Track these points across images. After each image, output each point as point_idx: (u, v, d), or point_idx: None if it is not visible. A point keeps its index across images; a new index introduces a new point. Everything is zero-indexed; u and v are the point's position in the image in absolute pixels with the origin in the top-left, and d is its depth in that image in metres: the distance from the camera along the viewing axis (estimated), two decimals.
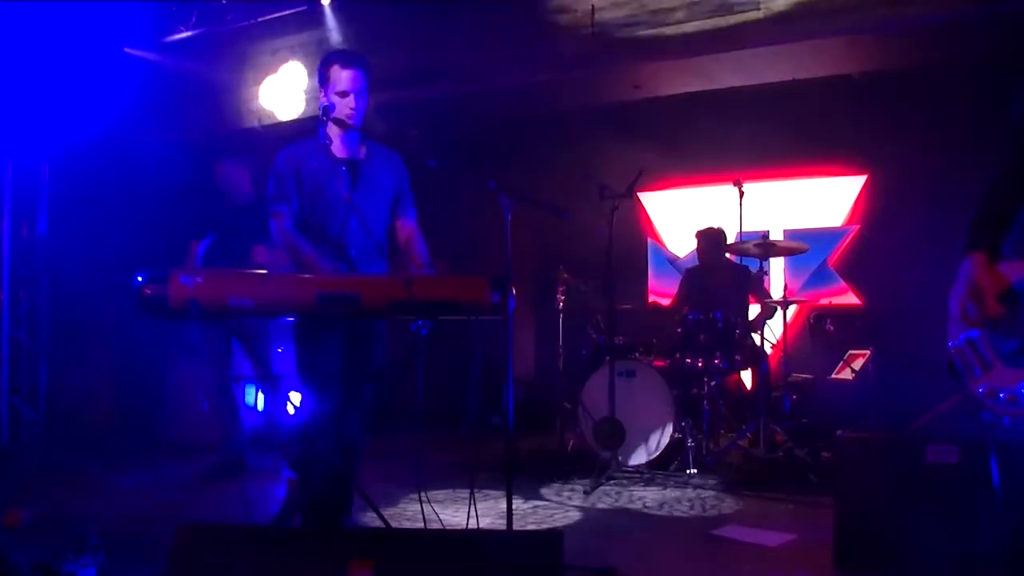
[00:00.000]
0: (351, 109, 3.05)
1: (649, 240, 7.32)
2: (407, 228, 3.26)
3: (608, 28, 5.68)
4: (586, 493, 4.33)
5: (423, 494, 3.12)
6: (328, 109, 3.03)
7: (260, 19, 6.24)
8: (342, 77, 3.06)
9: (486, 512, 3.61)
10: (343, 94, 3.06)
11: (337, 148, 3.13)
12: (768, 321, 5.25)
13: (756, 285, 5.38)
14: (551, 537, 2.25)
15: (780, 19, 5.22)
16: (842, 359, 5.39)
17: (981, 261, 2.07)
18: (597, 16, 5.68)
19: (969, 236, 2.13)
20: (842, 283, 6.45)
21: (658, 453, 4.79)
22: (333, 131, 3.10)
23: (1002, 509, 2.56)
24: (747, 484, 4.56)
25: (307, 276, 2.84)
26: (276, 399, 5.62)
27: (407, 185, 3.29)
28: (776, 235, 6.16)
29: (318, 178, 3.09)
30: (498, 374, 6.99)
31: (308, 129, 3.23)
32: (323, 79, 3.11)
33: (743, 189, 5.13)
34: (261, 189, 4.77)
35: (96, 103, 6.19)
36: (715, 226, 5.66)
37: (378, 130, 3.22)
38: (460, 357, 7.02)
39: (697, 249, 5.75)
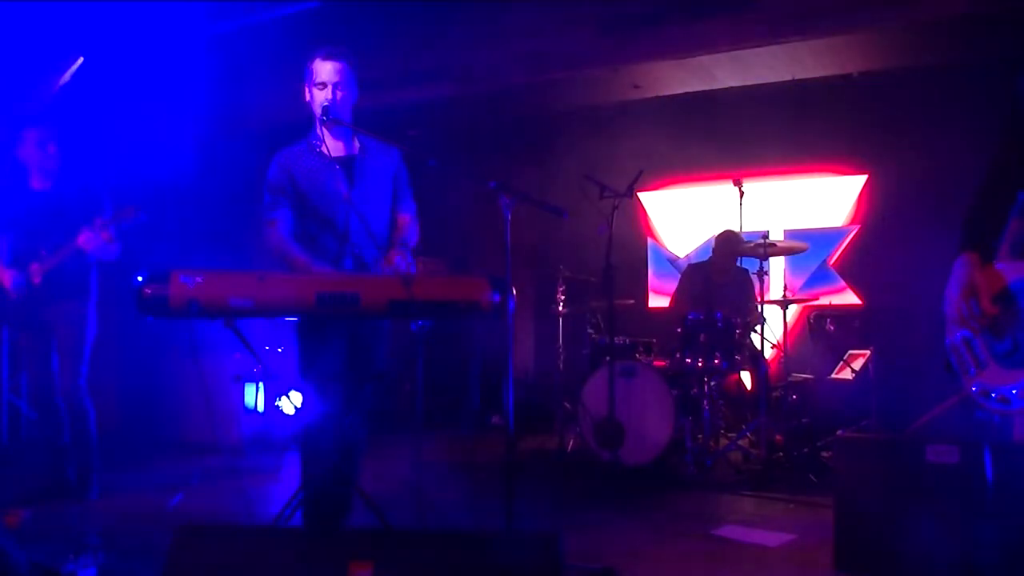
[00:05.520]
0: (328, 100, 3.04)
1: (649, 240, 7.32)
2: (403, 220, 3.26)
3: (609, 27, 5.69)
4: None
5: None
6: (326, 110, 3.02)
7: None
8: (321, 69, 3.06)
9: None
10: (321, 86, 3.06)
11: (329, 147, 3.12)
12: (767, 321, 5.24)
13: (750, 290, 5.39)
14: (550, 537, 2.25)
15: (780, 19, 5.23)
16: (842, 359, 5.39)
17: (974, 261, 2.07)
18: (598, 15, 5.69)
19: (961, 235, 2.14)
20: (842, 283, 6.45)
21: (658, 453, 4.79)
22: (325, 130, 3.10)
23: (995, 506, 2.57)
24: (747, 484, 4.56)
25: (307, 276, 2.84)
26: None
27: (404, 178, 3.28)
28: (776, 235, 6.16)
29: (313, 179, 3.08)
30: (498, 374, 7.03)
31: (300, 130, 3.23)
32: (306, 74, 3.11)
33: (743, 189, 5.14)
34: (71, 164, 4.24)
35: (96, 102, 6.20)
36: (731, 229, 5.62)
37: (376, 129, 3.20)
38: (460, 357, 7.06)
39: (712, 250, 5.73)
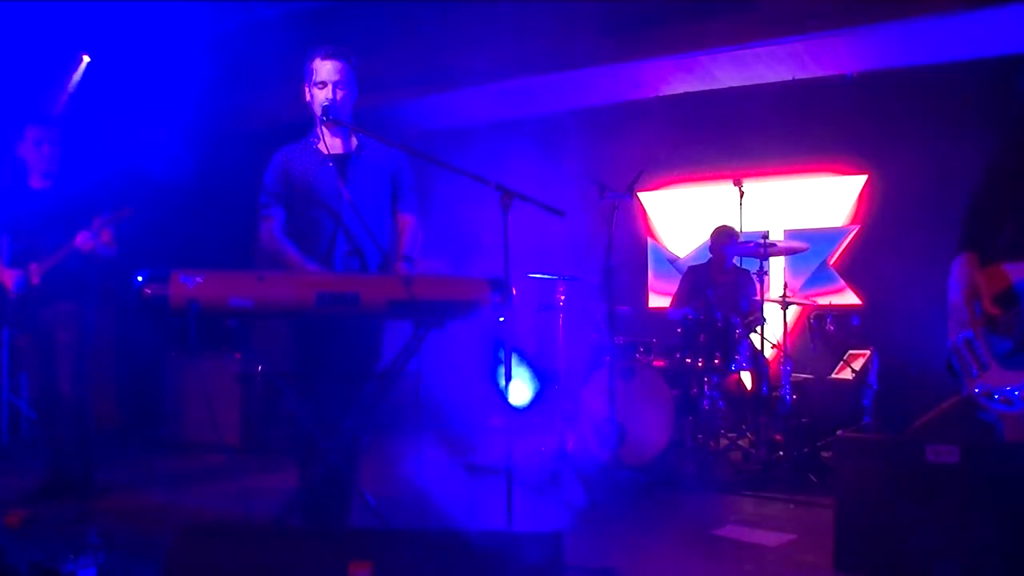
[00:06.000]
0: (328, 100, 3.04)
1: (649, 240, 7.32)
2: (404, 221, 3.25)
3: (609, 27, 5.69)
4: None
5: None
6: (326, 110, 3.02)
7: None
8: (321, 68, 3.06)
9: None
10: (321, 84, 3.06)
11: (326, 144, 3.12)
12: (767, 321, 5.24)
13: (750, 290, 5.39)
14: (552, 537, 2.25)
15: (780, 19, 5.23)
16: (842, 359, 5.39)
17: (973, 261, 2.06)
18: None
19: (961, 235, 2.13)
20: (842, 283, 6.44)
21: (658, 453, 4.78)
22: (324, 129, 3.10)
23: (995, 506, 2.56)
24: (747, 484, 4.56)
25: (307, 276, 2.84)
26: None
27: (407, 178, 3.26)
28: (776, 235, 6.15)
29: (307, 176, 3.09)
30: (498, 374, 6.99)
31: (301, 131, 3.23)
32: (306, 73, 3.11)
33: (743, 189, 5.13)
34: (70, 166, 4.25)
35: (96, 101, 6.20)
36: (726, 224, 5.65)
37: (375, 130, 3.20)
38: (460, 357, 7.05)
39: (709, 248, 5.77)
